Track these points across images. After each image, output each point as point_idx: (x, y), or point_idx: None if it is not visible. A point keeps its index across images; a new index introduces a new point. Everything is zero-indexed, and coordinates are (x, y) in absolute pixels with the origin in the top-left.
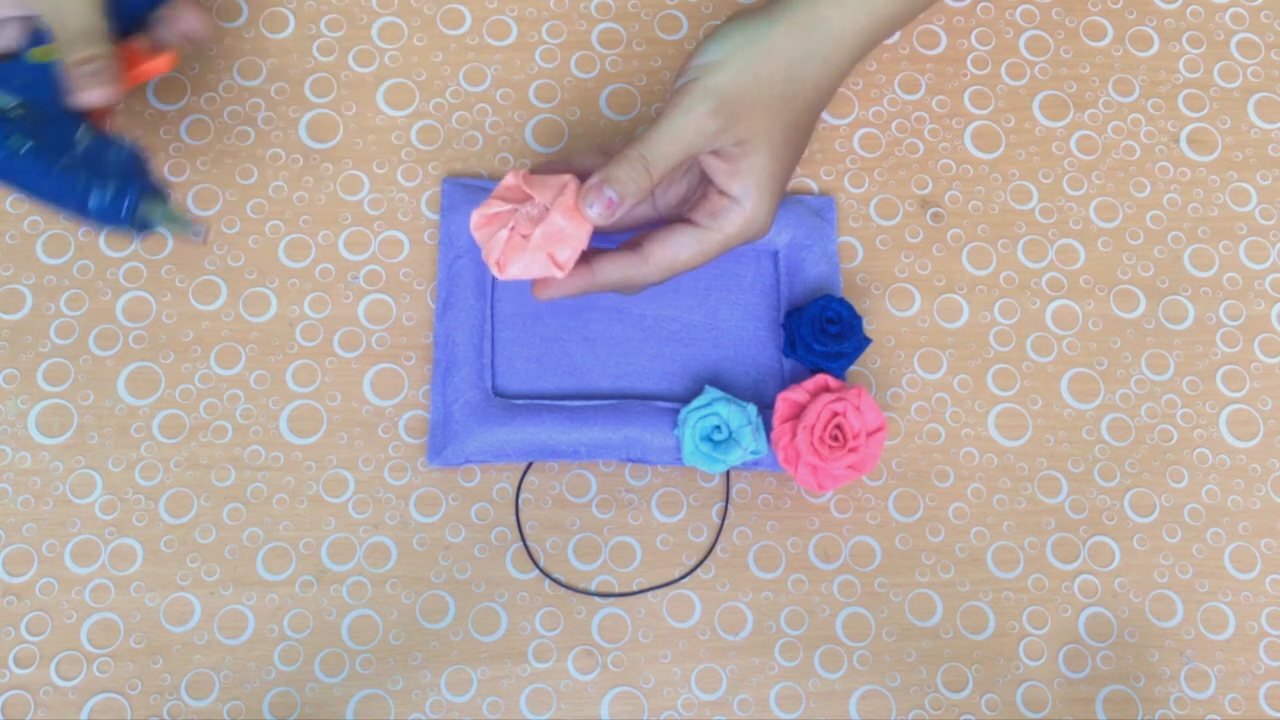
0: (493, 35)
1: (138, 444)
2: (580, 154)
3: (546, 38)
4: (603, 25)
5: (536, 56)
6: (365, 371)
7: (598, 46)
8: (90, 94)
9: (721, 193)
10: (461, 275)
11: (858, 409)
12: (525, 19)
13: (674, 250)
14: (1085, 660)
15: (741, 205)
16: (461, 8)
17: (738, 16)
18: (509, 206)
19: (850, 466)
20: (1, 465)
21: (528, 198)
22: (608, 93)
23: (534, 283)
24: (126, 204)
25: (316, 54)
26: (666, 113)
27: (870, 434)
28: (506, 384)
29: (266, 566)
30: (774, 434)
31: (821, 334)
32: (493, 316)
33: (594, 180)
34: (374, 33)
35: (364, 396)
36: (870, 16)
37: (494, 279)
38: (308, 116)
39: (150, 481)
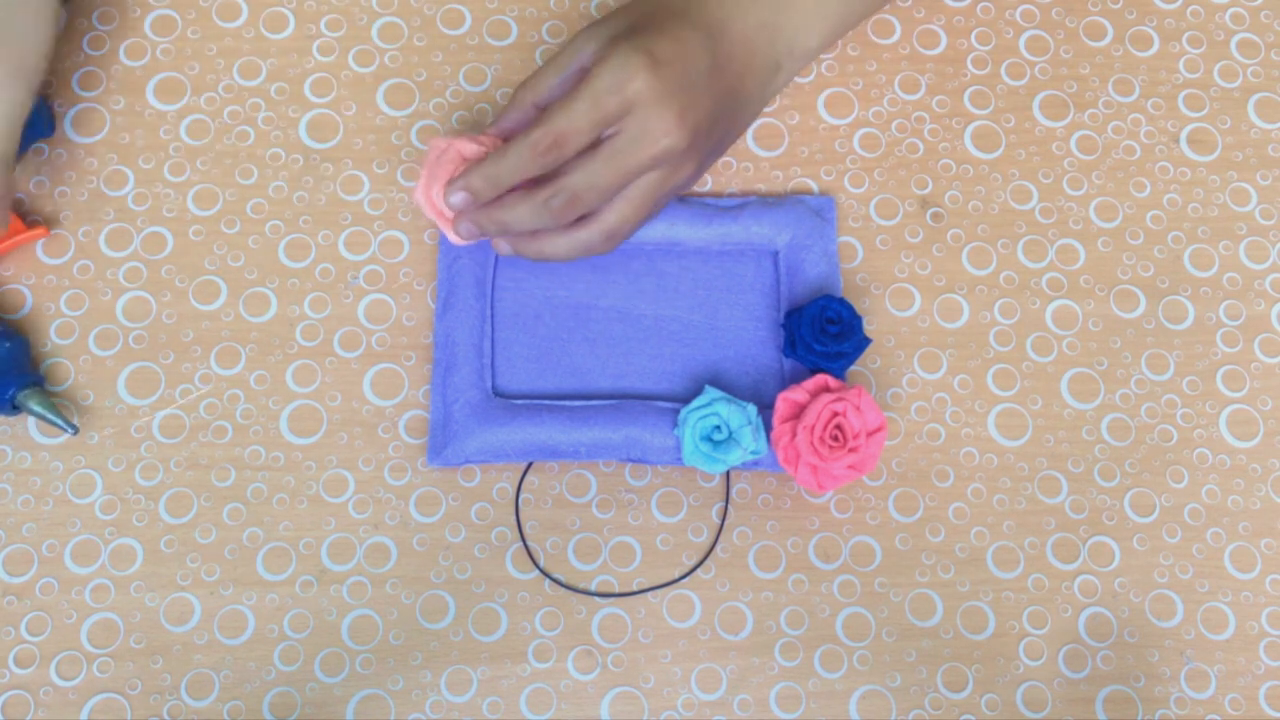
0: (493, 35)
1: (138, 444)
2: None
3: (547, 38)
4: None
5: (537, 57)
6: (365, 371)
7: None
8: None
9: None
10: (461, 275)
11: (858, 409)
12: (525, 19)
13: (552, 107)
14: (1085, 660)
15: (602, 54)
16: (461, 8)
17: None
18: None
19: (850, 466)
20: (1, 465)
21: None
22: None
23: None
24: (4, 397)
25: (316, 54)
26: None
27: (870, 434)
28: (506, 384)
29: (266, 566)
30: (774, 434)
31: (822, 334)
32: (493, 316)
33: (456, 182)
34: (374, 33)
35: (364, 396)
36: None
37: (494, 279)
38: (308, 116)
39: (150, 481)
